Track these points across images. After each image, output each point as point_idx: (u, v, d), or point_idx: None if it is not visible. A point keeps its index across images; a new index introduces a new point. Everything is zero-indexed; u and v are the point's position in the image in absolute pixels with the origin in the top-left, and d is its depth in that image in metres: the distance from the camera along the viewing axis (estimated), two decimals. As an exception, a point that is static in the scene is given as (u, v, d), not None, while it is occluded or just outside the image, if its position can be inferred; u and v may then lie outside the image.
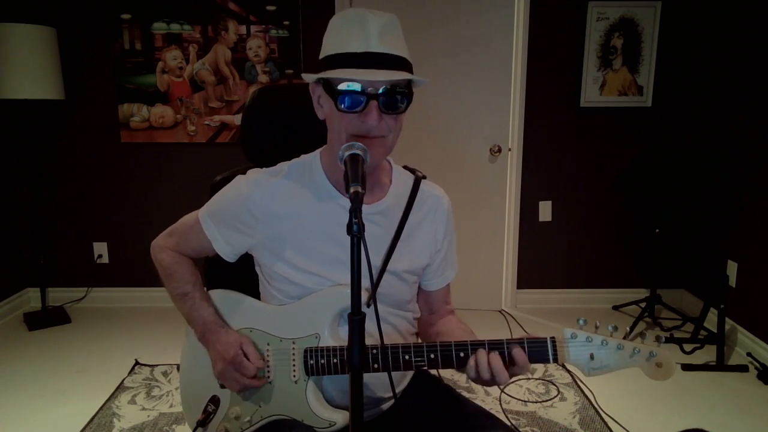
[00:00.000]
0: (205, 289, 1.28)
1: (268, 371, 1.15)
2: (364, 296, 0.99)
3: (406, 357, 1.05)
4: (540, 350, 1.02)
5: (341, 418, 1.10)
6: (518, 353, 1.01)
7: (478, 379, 1.02)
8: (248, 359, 1.12)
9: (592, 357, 1.01)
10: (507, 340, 1.03)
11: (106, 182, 3.35)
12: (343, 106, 1.01)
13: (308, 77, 1.07)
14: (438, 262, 1.26)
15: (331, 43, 1.03)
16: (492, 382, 1.01)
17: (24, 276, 3.42)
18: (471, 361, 1.02)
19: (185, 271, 1.23)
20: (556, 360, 1.02)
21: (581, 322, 1.03)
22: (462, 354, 1.04)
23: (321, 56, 1.06)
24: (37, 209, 3.19)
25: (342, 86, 0.99)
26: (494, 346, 1.02)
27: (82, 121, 3.28)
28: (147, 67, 3.21)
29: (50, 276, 3.35)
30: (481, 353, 1.02)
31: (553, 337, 1.02)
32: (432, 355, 1.05)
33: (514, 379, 2.54)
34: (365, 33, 0.99)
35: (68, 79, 3.13)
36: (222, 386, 1.19)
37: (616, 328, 1.02)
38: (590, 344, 1.01)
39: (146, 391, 2.42)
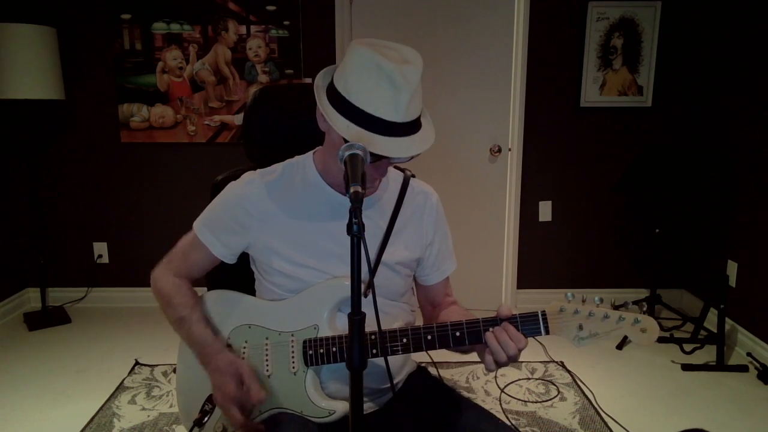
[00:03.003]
0: (205, 289, 1.29)
1: (267, 366, 1.16)
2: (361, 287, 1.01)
3: (404, 340, 1.08)
4: (532, 323, 1.06)
5: (341, 407, 1.12)
6: (507, 326, 1.05)
7: (498, 359, 1.04)
8: (249, 392, 1.10)
9: (580, 327, 1.06)
10: (501, 317, 1.07)
11: (106, 182, 3.35)
12: None
13: (334, 119, 1.02)
14: (433, 257, 1.29)
15: (356, 91, 1.01)
16: (511, 358, 1.04)
17: (24, 276, 3.42)
18: (492, 341, 1.03)
19: (183, 297, 1.23)
20: (548, 332, 1.06)
21: (569, 296, 1.07)
22: (458, 333, 1.07)
23: (340, 86, 1.03)
24: (37, 209, 3.19)
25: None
26: (488, 323, 1.06)
27: (82, 121, 3.28)
28: (147, 67, 3.21)
29: (50, 276, 3.35)
30: (490, 338, 1.04)
31: (543, 311, 1.07)
32: (429, 336, 1.08)
33: (512, 380, 2.53)
34: (397, 101, 1.00)
35: (68, 79, 3.14)
36: None
37: (602, 300, 1.07)
38: (578, 315, 1.06)
39: (146, 391, 2.42)
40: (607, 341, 1.08)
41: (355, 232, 0.81)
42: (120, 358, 2.72)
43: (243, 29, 3.18)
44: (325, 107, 1.04)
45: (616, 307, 1.07)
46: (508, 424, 1.34)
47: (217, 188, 1.31)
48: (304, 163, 1.22)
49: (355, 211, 0.81)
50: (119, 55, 3.20)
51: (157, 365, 2.65)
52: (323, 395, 1.14)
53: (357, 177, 0.86)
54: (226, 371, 1.11)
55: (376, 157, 1.01)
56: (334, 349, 1.11)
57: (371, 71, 1.00)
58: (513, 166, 3.30)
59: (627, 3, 3.12)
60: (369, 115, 1.00)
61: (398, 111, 1.01)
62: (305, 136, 1.32)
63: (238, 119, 3.26)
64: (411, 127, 1.04)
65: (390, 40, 1.08)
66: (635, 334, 1.05)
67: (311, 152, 1.25)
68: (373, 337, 1.07)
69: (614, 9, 3.13)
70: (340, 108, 1.02)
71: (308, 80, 3.21)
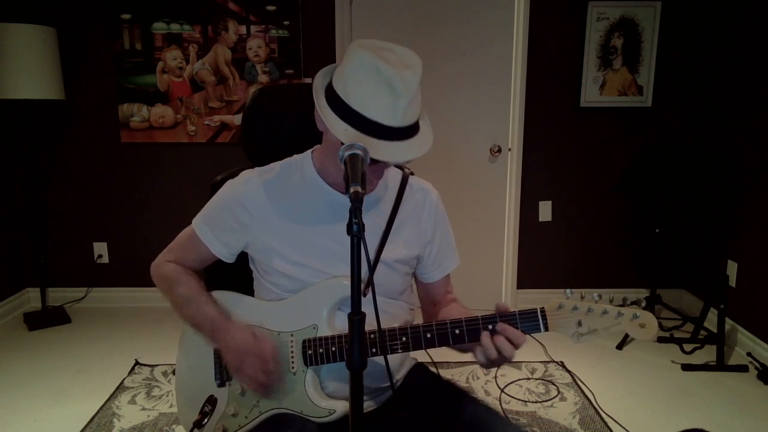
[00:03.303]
0: None
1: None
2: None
3: (404, 339, 1.08)
4: (531, 320, 1.06)
5: (340, 406, 1.12)
6: (504, 327, 1.04)
7: (488, 360, 1.05)
8: (262, 343, 1.11)
9: (579, 323, 1.06)
10: (500, 314, 1.07)
11: (106, 182, 3.35)
12: None
13: (332, 122, 1.02)
14: (434, 254, 1.29)
15: (355, 94, 1.01)
16: (501, 359, 1.04)
17: (24, 276, 3.42)
18: (484, 340, 1.04)
19: (190, 278, 1.23)
20: (547, 329, 1.06)
21: (568, 293, 1.08)
22: (457, 331, 1.07)
23: (338, 88, 1.03)
24: (37, 209, 3.19)
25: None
26: (488, 321, 1.06)
27: (82, 121, 3.28)
28: (147, 67, 3.21)
29: (50, 276, 3.35)
30: (485, 336, 1.04)
31: (542, 308, 1.07)
32: (428, 335, 1.07)
33: (512, 380, 2.53)
34: (395, 106, 1.00)
35: (68, 79, 3.14)
36: (221, 385, 1.19)
37: (600, 297, 1.07)
38: (577, 312, 1.06)
39: (146, 391, 2.42)
40: (607, 338, 1.09)
41: (356, 232, 0.81)
42: (120, 358, 2.72)
43: (243, 29, 3.18)
44: (323, 109, 1.04)
45: (610, 296, 1.07)
46: (510, 419, 1.35)
47: (216, 189, 1.31)
48: (303, 162, 1.22)
49: (356, 211, 0.81)
50: (119, 55, 3.20)
51: (157, 365, 2.65)
52: (323, 395, 1.14)
53: (357, 177, 0.87)
54: (240, 332, 1.12)
55: (374, 160, 1.01)
56: (333, 348, 1.11)
57: (370, 75, 1.00)
58: (513, 166, 3.30)
59: (627, 3, 3.12)
60: (367, 119, 1.00)
61: (396, 116, 1.00)
62: (304, 136, 1.31)
63: (238, 119, 3.26)
64: (409, 132, 1.04)
65: (390, 40, 1.08)
66: (634, 329, 1.04)
67: (309, 151, 1.25)
68: (372, 336, 1.07)
69: (614, 9, 3.13)
70: (338, 110, 1.02)
71: (308, 80, 3.21)
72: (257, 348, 1.10)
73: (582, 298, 1.07)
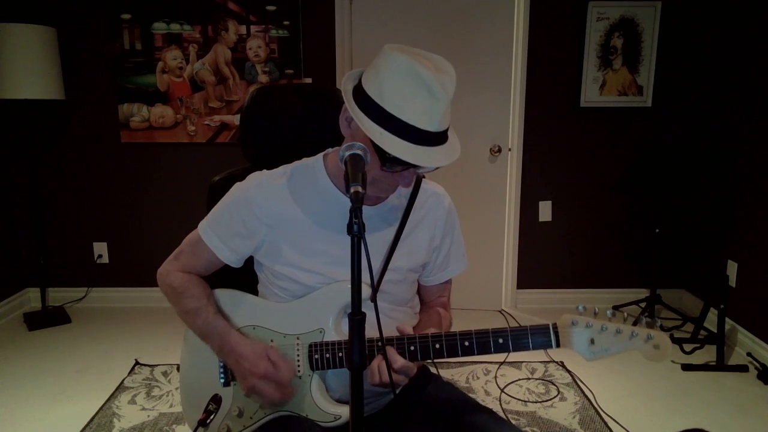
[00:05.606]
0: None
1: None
2: (367, 292, 1.00)
3: (411, 348, 1.07)
4: (543, 336, 1.05)
5: (346, 411, 1.11)
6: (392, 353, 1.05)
7: (371, 380, 1.06)
8: (281, 369, 1.10)
9: (592, 341, 1.04)
10: (511, 328, 1.06)
11: (106, 182, 3.35)
12: (386, 167, 1.02)
13: (367, 125, 0.99)
14: (440, 260, 1.28)
15: (391, 98, 0.99)
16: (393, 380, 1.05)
17: (24, 276, 3.42)
18: (374, 366, 1.05)
19: (198, 288, 1.21)
20: (558, 345, 1.04)
21: (581, 308, 1.06)
22: (467, 343, 1.06)
23: (371, 91, 1.00)
24: (37, 209, 3.19)
25: (393, 152, 0.98)
26: (497, 334, 1.06)
27: (82, 121, 3.28)
28: (147, 67, 3.21)
29: (50, 276, 3.35)
30: (377, 360, 1.06)
31: (555, 324, 1.05)
32: (437, 345, 1.07)
33: (512, 380, 2.52)
34: (433, 110, 0.99)
35: (68, 79, 3.13)
36: (226, 384, 1.19)
37: (614, 314, 1.05)
38: (590, 329, 1.04)
39: (146, 391, 2.42)
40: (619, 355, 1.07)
41: (356, 232, 0.80)
42: (120, 358, 2.72)
43: (243, 29, 3.18)
44: (356, 113, 1.01)
45: (627, 318, 1.04)
46: (510, 421, 1.35)
47: (214, 189, 1.30)
48: (314, 167, 1.19)
49: (356, 211, 0.81)
50: (119, 55, 3.20)
51: (157, 365, 2.65)
52: (329, 399, 1.13)
53: (357, 177, 0.86)
54: (254, 354, 1.11)
55: (405, 166, 1.00)
56: (340, 354, 1.10)
57: (408, 79, 0.98)
58: (513, 166, 3.30)
59: (627, 3, 3.12)
60: (403, 123, 0.98)
61: (432, 120, 0.99)
62: (303, 135, 1.31)
63: (238, 119, 3.26)
64: (441, 138, 1.02)
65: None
66: (648, 350, 1.03)
67: (321, 155, 1.21)
68: (379, 344, 1.05)
69: (614, 9, 3.13)
70: (372, 114, 0.99)
71: (308, 80, 3.21)
72: (274, 374, 1.09)
73: (595, 314, 1.05)
